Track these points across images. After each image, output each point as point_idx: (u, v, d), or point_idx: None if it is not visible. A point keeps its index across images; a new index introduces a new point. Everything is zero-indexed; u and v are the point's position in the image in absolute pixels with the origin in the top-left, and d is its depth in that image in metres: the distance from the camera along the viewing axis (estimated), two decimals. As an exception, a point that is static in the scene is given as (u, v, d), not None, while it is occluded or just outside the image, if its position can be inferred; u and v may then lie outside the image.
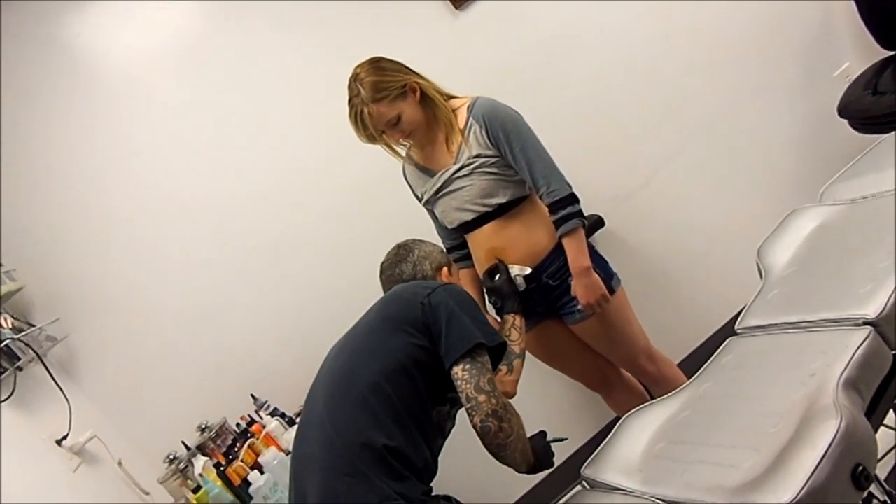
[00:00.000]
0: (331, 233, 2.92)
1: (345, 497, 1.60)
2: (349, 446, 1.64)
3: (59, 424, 2.55)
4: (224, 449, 2.62)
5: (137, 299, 2.89)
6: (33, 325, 2.71)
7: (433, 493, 1.69)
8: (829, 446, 1.24)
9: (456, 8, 2.92)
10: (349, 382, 1.75)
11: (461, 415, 1.77)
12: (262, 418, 2.67)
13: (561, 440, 1.94)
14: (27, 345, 2.59)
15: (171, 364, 2.90)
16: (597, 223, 2.91)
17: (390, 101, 2.13)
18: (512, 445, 1.69)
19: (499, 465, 1.73)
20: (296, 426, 2.54)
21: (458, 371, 1.69)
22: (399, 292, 1.93)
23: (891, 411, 1.63)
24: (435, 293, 1.80)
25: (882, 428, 1.61)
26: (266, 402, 2.73)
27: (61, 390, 2.62)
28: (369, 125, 2.14)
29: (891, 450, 1.93)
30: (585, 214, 2.24)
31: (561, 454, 2.94)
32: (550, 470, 1.87)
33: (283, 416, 2.68)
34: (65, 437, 2.53)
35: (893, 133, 2.24)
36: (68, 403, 2.59)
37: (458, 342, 1.71)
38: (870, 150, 2.22)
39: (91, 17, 2.82)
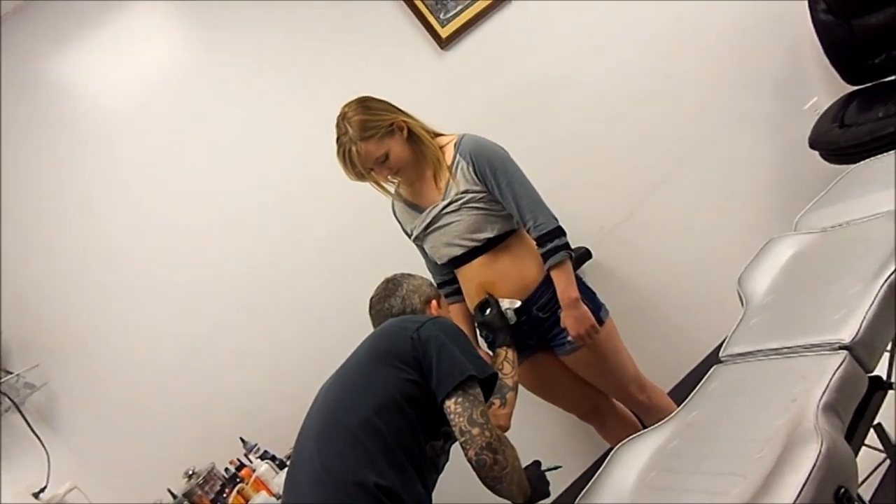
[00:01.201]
0: (320, 271, 2.93)
1: None
2: (340, 485, 1.61)
3: (37, 476, 2.49)
4: (212, 495, 2.54)
5: (119, 343, 2.85)
6: (11, 373, 2.66)
7: None
8: (812, 470, 1.26)
9: (441, 48, 2.98)
10: (339, 420, 1.73)
11: (456, 448, 1.77)
12: (251, 462, 2.61)
13: (556, 468, 1.96)
14: (4, 393, 2.54)
15: (155, 408, 2.85)
16: (584, 255, 2.95)
17: (378, 140, 2.17)
18: (508, 478, 1.69)
19: (495, 496, 1.73)
20: (286, 469, 2.51)
21: (450, 405, 1.69)
22: (388, 327, 1.92)
23: (872, 432, 1.66)
24: (424, 327, 1.80)
25: (866, 448, 1.64)
26: (256, 444, 2.67)
27: (39, 440, 2.56)
28: (357, 163, 2.18)
29: (874, 470, 1.96)
30: (573, 247, 2.28)
31: (556, 487, 2.93)
32: (547, 500, 1.87)
33: (273, 458, 2.62)
34: (43, 490, 2.47)
35: (861, 163, 2.32)
36: (47, 453, 2.54)
37: (449, 375, 1.71)
38: (838, 181, 2.29)
39: (76, 53, 2.84)
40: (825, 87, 3.23)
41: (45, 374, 2.78)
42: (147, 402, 2.86)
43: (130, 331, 2.87)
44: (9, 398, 2.56)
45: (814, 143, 3.03)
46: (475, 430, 1.66)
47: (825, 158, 3.02)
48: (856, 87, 3.13)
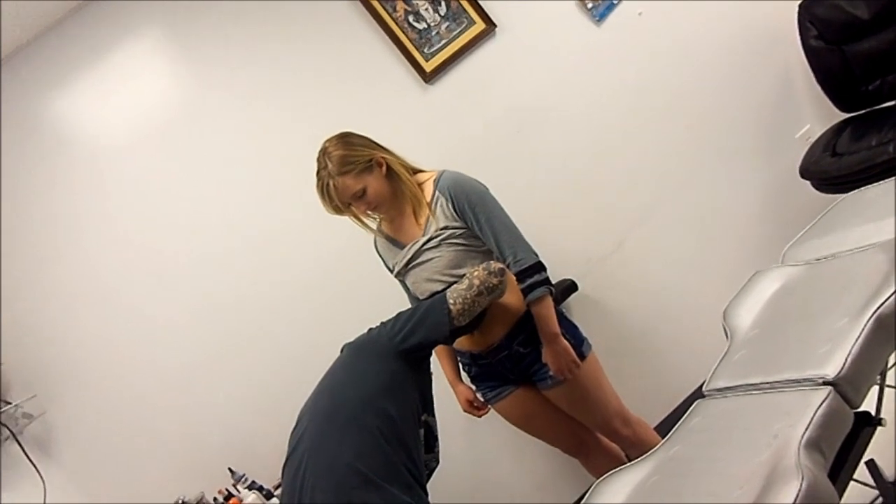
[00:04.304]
0: (306, 303, 2.95)
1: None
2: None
3: (34, 503, 2.52)
4: (201, 524, 2.59)
5: (113, 374, 2.89)
6: (9, 403, 2.69)
7: None
8: (792, 508, 1.25)
9: (426, 82, 3.00)
10: (336, 413, 1.89)
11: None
12: (239, 492, 2.66)
13: None
14: (2, 423, 2.57)
15: (148, 438, 2.89)
16: (570, 287, 2.94)
17: (356, 175, 2.19)
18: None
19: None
20: (274, 499, 2.52)
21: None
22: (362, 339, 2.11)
23: (864, 468, 1.64)
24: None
25: (859, 486, 1.63)
26: (244, 475, 2.71)
27: (36, 469, 2.59)
28: (335, 197, 2.20)
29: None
30: (559, 279, 2.28)
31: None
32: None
33: (260, 489, 2.66)
34: (39, 518, 2.49)
35: (850, 194, 2.31)
36: (43, 482, 2.57)
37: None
38: (827, 212, 2.27)
39: (70, 93, 2.89)
40: (817, 115, 3.21)
41: (43, 404, 2.83)
42: (139, 432, 2.90)
43: (123, 363, 2.90)
44: (7, 428, 2.59)
45: (805, 173, 3.00)
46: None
47: (817, 188, 2.99)
48: (849, 115, 3.11)
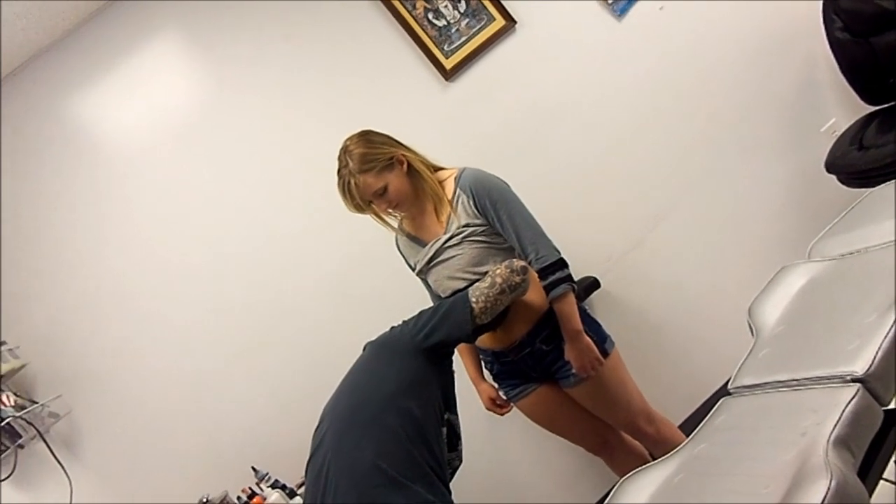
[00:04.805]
0: (329, 301, 2.96)
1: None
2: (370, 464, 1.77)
3: (60, 501, 2.55)
4: (225, 522, 2.61)
5: (138, 374, 2.92)
6: (36, 402, 2.73)
7: None
8: (820, 507, 1.23)
9: (446, 80, 3.00)
10: (359, 412, 1.91)
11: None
12: (262, 490, 2.67)
13: None
14: (29, 422, 2.61)
15: (172, 438, 2.92)
16: (592, 285, 2.92)
17: (377, 173, 2.19)
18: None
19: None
20: (297, 498, 2.53)
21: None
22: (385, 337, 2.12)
23: (893, 465, 1.61)
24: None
25: (886, 484, 1.59)
26: (267, 473, 2.72)
27: (62, 467, 2.62)
28: (356, 195, 2.20)
29: (895, 506, 1.90)
30: (581, 276, 2.27)
31: (566, 519, 2.93)
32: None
33: (283, 487, 2.67)
34: (66, 515, 2.52)
35: (878, 188, 2.27)
36: (69, 480, 2.60)
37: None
38: (855, 206, 2.23)
39: (93, 96, 2.92)
40: (843, 109, 3.15)
41: (68, 404, 2.87)
42: (163, 432, 2.93)
43: (148, 364, 2.94)
44: (34, 427, 2.62)
45: (830, 167, 2.96)
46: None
47: (843, 182, 2.94)
48: (875, 108, 3.06)
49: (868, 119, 3.04)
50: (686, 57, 3.08)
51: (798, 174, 3.16)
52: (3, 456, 2.47)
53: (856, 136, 2.95)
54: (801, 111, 3.18)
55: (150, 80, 2.92)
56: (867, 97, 3.05)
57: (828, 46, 3.02)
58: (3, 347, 2.71)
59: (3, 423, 2.52)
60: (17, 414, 2.59)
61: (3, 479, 2.43)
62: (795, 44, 3.15)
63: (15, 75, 2.87)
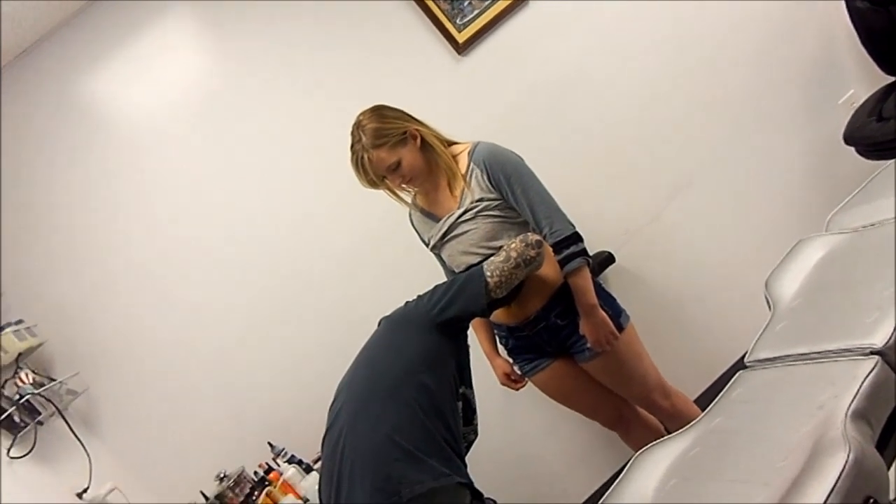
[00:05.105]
0: (344, 277, 2.97)
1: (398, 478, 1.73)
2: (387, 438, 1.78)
3: (79, 477, 2.59)
4: (242, 498, 2.64)
5: (155, 351, 2.94)
6: (54, 380, 2.76)
7: None
8: (838, 479, 1.22)
9: (458, 53, 2.97)
10: (374, 387, 1.91)
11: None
12: (279, 466, 2.69)
13: None
14: (48, 399, 2.64)
15: (189, 413, 2.95)
16: (607, 259, 2.91)
17: (390, 148, 2.18)
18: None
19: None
20: (313, 473, 2.56)
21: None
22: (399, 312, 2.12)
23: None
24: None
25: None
26: (283, 449, 2.74)
27: (81, 443, 2.65)
28: (369, 170, 2.19)
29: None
30: (596, 251, 2.25)
31: (580, 494, 2.94)
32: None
33: (300, 462, 2.69)
34: (86, 490, 2.56)
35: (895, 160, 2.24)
36: (88, 456, 2.63)
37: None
38: (874, 178, 2.21)
39: (104, 73, 2.92)
40: (862, 79, 3.11)
41: (86, 381, 2.89)
42: (180, 408, 2.95)
43: (164, 340, 2.95)
44: (53, 404, 2.65)
45: (849, 139, 2.92)
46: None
47: (861, 154, 2.89)
48: (894, 78, 3.01)
49: (887, 90, 2.99)
50: (702, 28, 3.04)
51: (816, 146, 3.13)
52: (22, 433, 2.50)
53: (875, 108, 2.91)
54: (820, 82, 3.14)
55: (162, 57, 2.91)
56: (886, 67, 3.00)
57: (847, 15, 2.97)
58: (21, 325, 2.74)
59: (22, 401, 2.54)
60: (36, 391, 2.61)
61: (24, 456, 2.46)
62: (814, 14, 3.10)
63: (27, 54, 2.86)
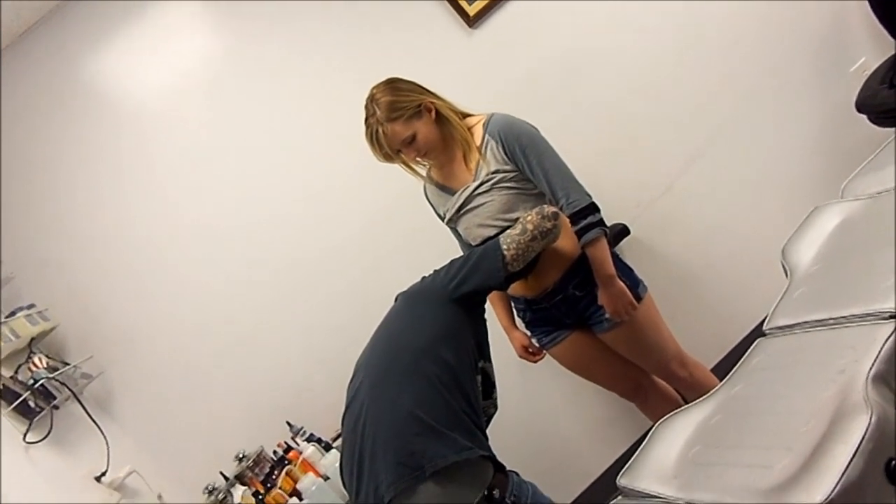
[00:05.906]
0: (360, 253, 2.97)
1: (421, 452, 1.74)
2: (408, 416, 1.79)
3: (97, 461, 2.59)
4: (262, 477, 2.65)
5: (170, 332, 2.95)
6: (68, 364, 2.77)
7: None
8: (861, 442, 1.23)
9: (470, 26, 2.96)
10: (394, 362, 1.91)
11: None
12: (298, 444, 2.70)
13: None
14: (62, 383, 2.64)
15: (206, 394, 2.96)
16: (622, 231, 2.91)
17: (405, 121, 2.17)
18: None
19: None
20: (333, 451, 2.57)
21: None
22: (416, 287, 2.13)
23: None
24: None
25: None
26: (302, 428, 2.76)
27: (98, 427, 2.66)
28: (384, 144, 2.18)
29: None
30: (611, 223, 2.25)
31: (599, 466, 2.95)
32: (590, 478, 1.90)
33: (319, 441, 2.70)
34: (104, 474, 2.57)
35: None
36: (105, 439, 2.63)
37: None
38: (887, 144, 2.20)
39: (109, 53, 2.92)
40: (873, 47, 3.08)
41: (100, 364, 2.90)
42: (197, 389, 2.96)
43: (178, 321, 2.96)
44: (68, 387, 2.66)
45: (861, 106, 2.90)
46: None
47: (873, 122, 2.88)
48: (905, 46, 2.99)
49: (899, 57, 2.98)
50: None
51: (828, 115, 3.11)
52: (38, 417, 2.51)
53: (886, 75, 2.88)
54: (831, 51, 3.12)
55: (170, 35, 2.91)
56: (896, 35, 2.98)
57: (857, -18, 2.96)
58: (33, 310, 2.74)
59: (36, 385, 2.55)
60: (51, 375, 2.62)
61: (40, 441, 2.46)
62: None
63: (32, 32, 2.85)
